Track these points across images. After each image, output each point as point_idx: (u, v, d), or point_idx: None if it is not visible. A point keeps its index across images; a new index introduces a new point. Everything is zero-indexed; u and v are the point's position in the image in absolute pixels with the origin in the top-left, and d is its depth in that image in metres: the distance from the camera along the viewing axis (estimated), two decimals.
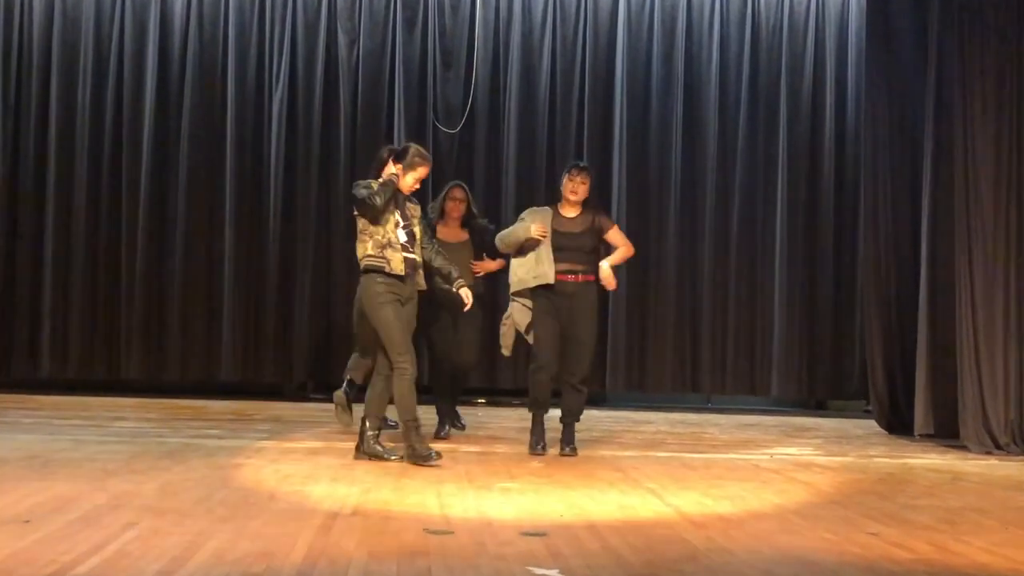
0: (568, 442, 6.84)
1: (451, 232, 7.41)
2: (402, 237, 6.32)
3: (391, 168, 6.45)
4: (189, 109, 9.83)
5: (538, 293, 6.79)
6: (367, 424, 6.34)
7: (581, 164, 7.15)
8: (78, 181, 9.75)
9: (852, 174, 10.02)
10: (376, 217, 6.24)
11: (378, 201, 6.22)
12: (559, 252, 6.78)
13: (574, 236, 6.83)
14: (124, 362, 9.70)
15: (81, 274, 9.73)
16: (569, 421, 6.90)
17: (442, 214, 7.46)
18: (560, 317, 6.76)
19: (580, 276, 6.80)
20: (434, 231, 7.21)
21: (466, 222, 7.49)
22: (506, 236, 6.98)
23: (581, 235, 6.85)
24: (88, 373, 9.72)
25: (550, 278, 6.72)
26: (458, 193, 7.50)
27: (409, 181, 6.40)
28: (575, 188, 6.87)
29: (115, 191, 9.80)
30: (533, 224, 6.78)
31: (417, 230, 6.48)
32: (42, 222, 9.73)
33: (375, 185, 6.31)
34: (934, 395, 7.97)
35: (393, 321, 6.21)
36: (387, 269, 6.25)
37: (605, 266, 6.80)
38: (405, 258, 6.29)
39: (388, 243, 6.26)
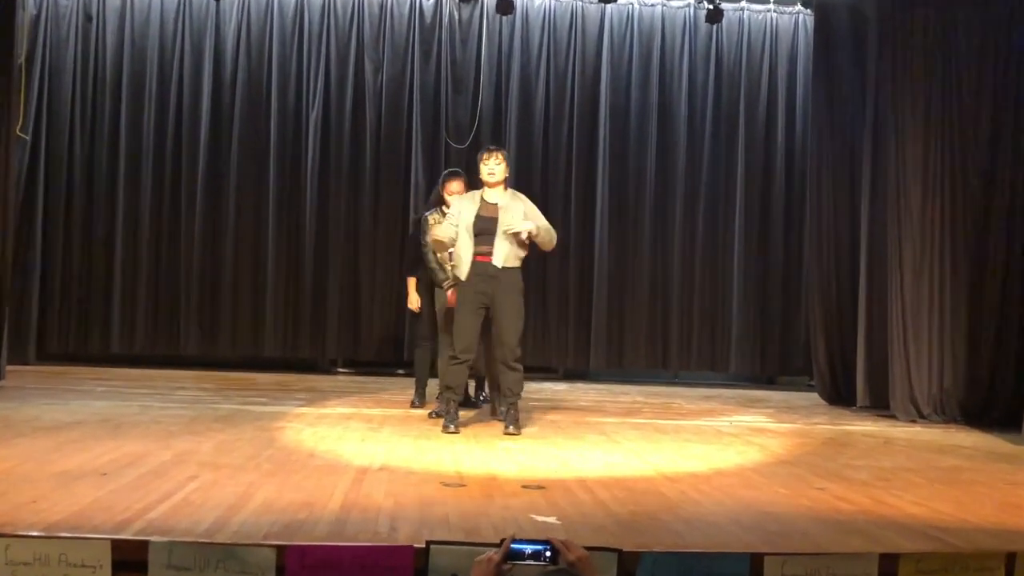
0: (511, 421, 5.98)
1: None
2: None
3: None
4: (239, 125, 9.79)
5: (463, 279, 6.00)
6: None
7: (492, 146, 6.31)
8: (144, 186, 9.71)
9: (799, 184, 10.02)
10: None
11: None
12: (482, 236, 5.94)
13: (496, 221, 5.97)
14: (183, 340, 9.67)
15: (147, 266, 9.69)
16: (511, 402, 6.03)
17: (440, 202, 6.85)
18: (485, 301, 5.95)
19: None
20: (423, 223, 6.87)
21: None
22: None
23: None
24: (152, 349, 9.69)
25: (462, 274, 5.99)
26: (455, 186, 6.79)
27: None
28: (491, 170, 6.00)
29: (176, 195, 9.76)
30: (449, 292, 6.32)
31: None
32: (113, 223, 9.69)
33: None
34: (869, 372, 7.97)
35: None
36: None
37: (522, 224, 5.93)
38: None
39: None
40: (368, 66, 9.94)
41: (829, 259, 8.67)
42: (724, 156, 10.15)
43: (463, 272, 5.99)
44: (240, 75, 9.84)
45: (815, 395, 8.84)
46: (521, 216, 6.01)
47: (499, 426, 6.16)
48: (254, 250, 9.80)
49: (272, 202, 9.78)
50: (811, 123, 9.19)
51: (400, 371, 9.76)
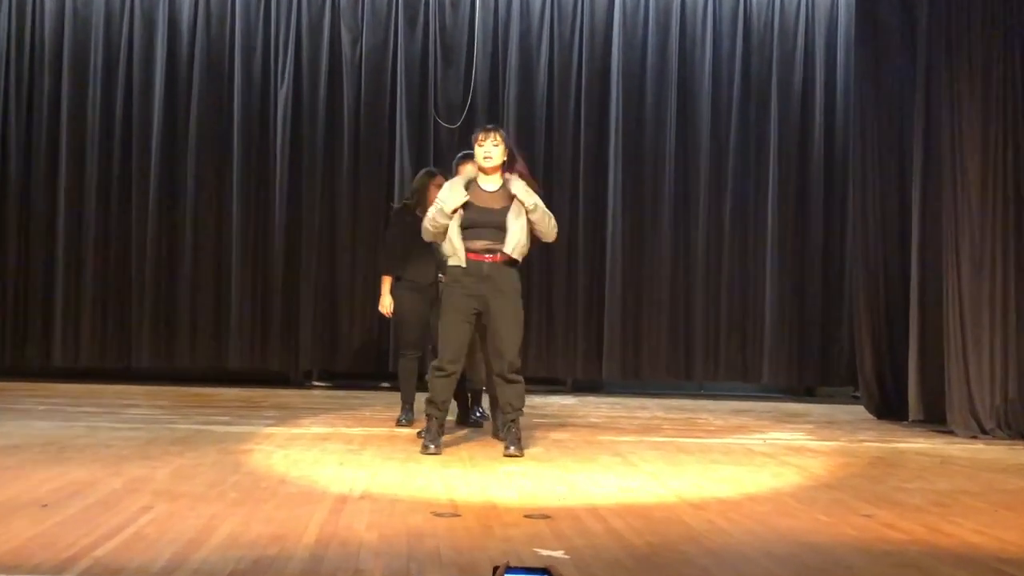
0: (512, 441, 5.95)
1: None
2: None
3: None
4: (196, 105, 9.81)
5: (450, 279, 5.99)
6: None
7: (490, 125, 6.24)
8: (89, 175, 9.74)
9: (841, 167, 10.02)
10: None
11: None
12: (473, 229, 5.89)
13: (492, 212, 5.93)
14: (135, 350, 9.69)
15: (92, 265, 9.72)
16: (511, 419, 5.99)
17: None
18: (476, 304, 5.93)
19: (499, 255, 5.92)
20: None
21: None
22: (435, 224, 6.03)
23: (501, 211, 5.95)
24: (100, 361, 9.72)
25: (460, 260, 5.92)
26: (470, 170, 6.47)
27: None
28: (487, 152, 5.93)
29: (125, 184, 9.78)
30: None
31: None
32: (54, 214, 9.72)
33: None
34: (923, 382, 7.95)
35: None
36: None
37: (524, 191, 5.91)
38: None
39: None
40: (345, 35, 9.96)
41: (876, 253, 8.65)
42: (754, 136, 10.15)
43: (461, 261, 5.91)
44: (198, 47, 9.85)
45: (860, 408, 8.83)
46: (522, 211, 5.95)
47: (498, 447, 6.15)
48: (216, 247, 9.81)
49: (236, 192, 9.79)
50: (854, 97, 9.18)
51: (384, 384, 9.77)
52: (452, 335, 5.99)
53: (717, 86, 10.14)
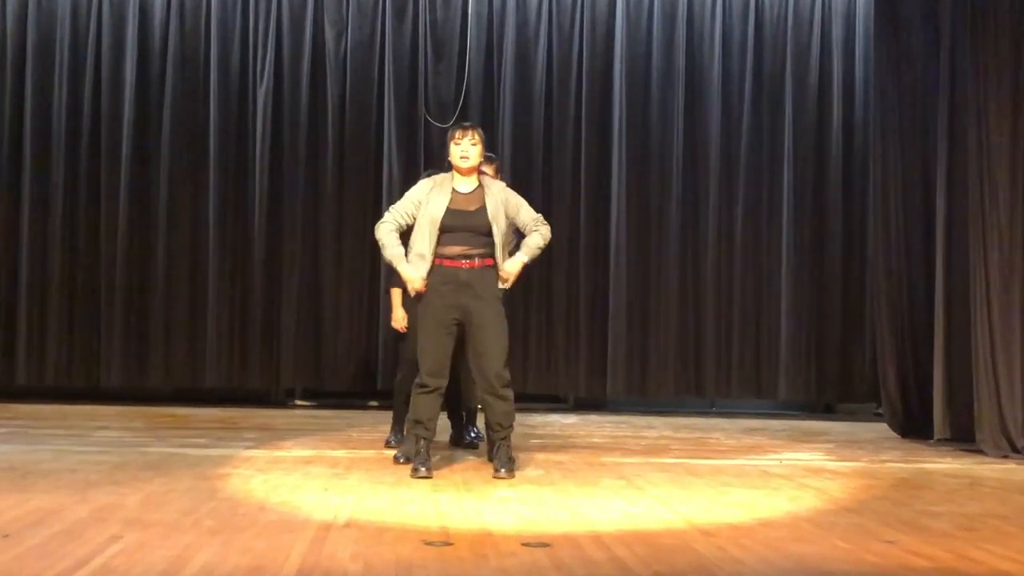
0: (503, 463, 6.01)
1: None
2: None
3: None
4: (170, 105, 9.81)
5: (428, 288, 6.01)
6: None
7: (466, 123, 6.30)
8: (54, 179, 9.73)
9: (861, 168, 10.04)
10: None
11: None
12: (448, 234, 5.96)
13: (468, 215, 5.99)
14: (104, 369, 9.67)
15: (59, 277, 9.69)
16: (501, 436, 6.05)
17: None
18: (457, 315, 5.97)
19: (477, 261, 5.99)
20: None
21: None
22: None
23: (477, 212, 6.01)
24: (67, 380, 9.70)
25: (417, 276, 6.00)
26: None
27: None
28: (464, 152, 6.01)
29: (93, 190, 9.77)
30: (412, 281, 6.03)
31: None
32: (17, 222, 9.71)
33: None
34: (950, 398, 7.95)
35: None
36: None
37: (511, 265, 6.05)
38: None
39: None
40: (329, 29, 9.97)
41: (899, 259, 8.65)
42: (767, 134, 10.17)
43: (420, 273, 5.98)
44: (172, 41, 9.85)
45: (884, 426, 8.82)
46: (501, 214, 6.03)
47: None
48: (191, 256, 9.81)
49: (212, 198, 9.79)
50: (874, 95, 9.20)
51: (373, 403, 9.76)
52: (431, 347, 6.02)
53: (727, 83, 10.15)
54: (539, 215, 6.22)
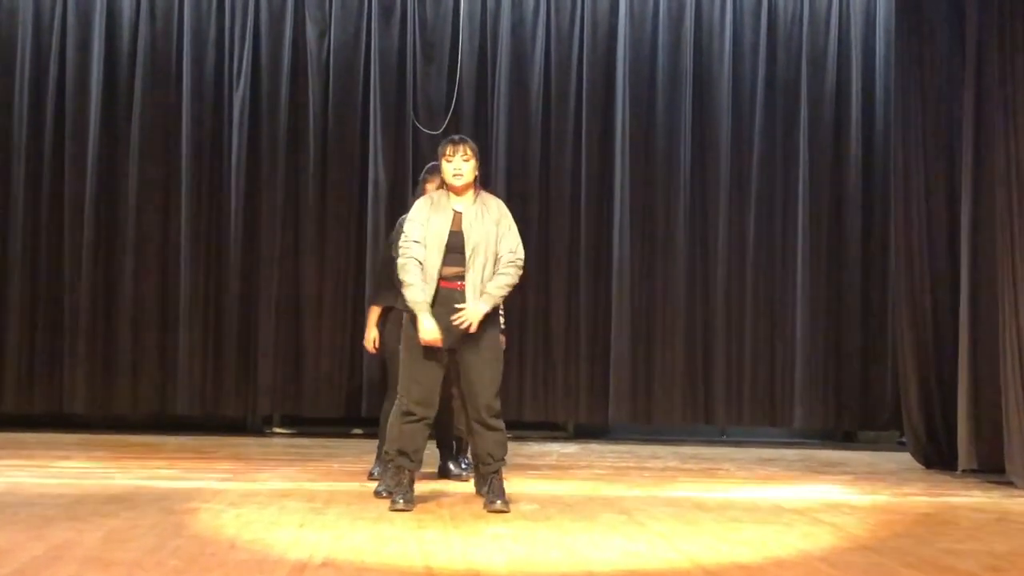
0: (497, 494, 6.03)
1: None
2: None
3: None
4: (139, 111, 9.82)
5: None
6: None
7: (456, 136, 6.26)
8: (14, 190, 9.73)
9: (882, 178, 10.05)
10: None
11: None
12: (450, 254, 5.99)
13: (462, 233, 6.00)
14: (68, 394, 9.64)
15: (18, 295, 9.68)
16: (492, 470, 6.07)
17: None
18: (449, 339, 5.95)
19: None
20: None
21: None
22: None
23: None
24: (27, 407, 9.67)
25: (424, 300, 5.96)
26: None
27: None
28: (457, 169, 6.01)
29: (56, 202, 9.76)
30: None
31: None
32: None
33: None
34: (977, 425, 7.94)
35: None
36: None
37: (473, 313, 5.91)
38: None
39: None
40: (310, 29, 9.99)
41: (923, 278, 8.66)
42: (781, 143, 10.18)
43: (427, 295, 5.94)
44: (141, 42, 9.87)
45: (907, 456, 8.82)
46: (492, 233, 6.00)
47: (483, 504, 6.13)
48: (161, 274, 9.80)
49: (184, 210, 9.79)
50: (895, 99, 9.21)
51: (357, 431, 9.74)
52: (419, 374, 6.01)
53: (738, 86, 10.17)
54: (517, 251, 6.10)
